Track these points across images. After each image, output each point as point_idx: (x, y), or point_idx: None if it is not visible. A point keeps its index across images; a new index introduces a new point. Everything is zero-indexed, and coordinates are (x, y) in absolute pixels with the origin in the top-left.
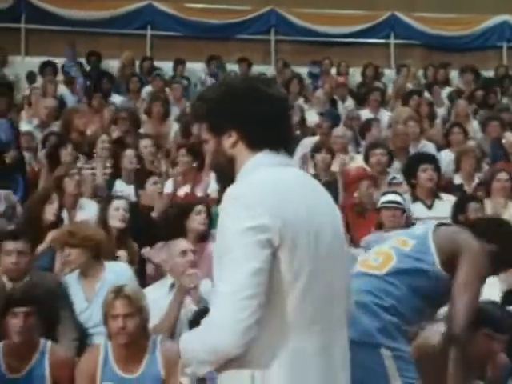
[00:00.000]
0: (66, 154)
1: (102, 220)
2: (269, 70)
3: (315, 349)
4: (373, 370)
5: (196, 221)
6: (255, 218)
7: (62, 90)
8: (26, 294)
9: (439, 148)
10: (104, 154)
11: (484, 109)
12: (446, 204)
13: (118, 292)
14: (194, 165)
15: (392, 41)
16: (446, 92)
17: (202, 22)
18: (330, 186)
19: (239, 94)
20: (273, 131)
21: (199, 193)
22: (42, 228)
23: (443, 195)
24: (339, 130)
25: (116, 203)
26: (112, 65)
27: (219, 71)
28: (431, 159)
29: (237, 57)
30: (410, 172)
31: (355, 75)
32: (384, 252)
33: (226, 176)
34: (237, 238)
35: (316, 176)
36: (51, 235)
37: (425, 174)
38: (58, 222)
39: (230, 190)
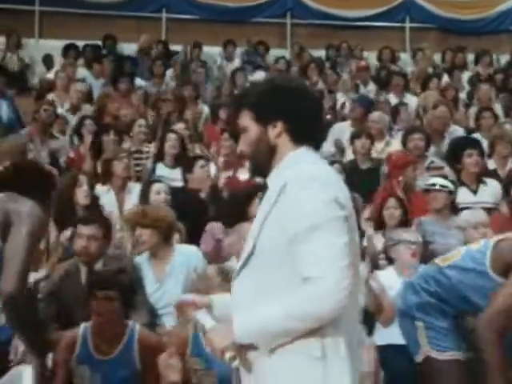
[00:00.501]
0: (109, 140)
1: (144, 204)
2: (286, 54)
3: (357, 318)
4: (408, 333)
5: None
6: (336, 195)
7: (83, 73)
8: (110, 278)
9: (468, 132)
10: (141, 137)
11: (504, 93)
12: (490, 189)
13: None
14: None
15: (407, 24)
16: (464, 76)
17: (218, 5)
18: (373, 172)
19: (288, 88)
20: (314, 127)
21: (242, 177)
22: (76, 211)
23: (488, 180)
24: (376, 115)
25: (157, 186)
26: (128, 48)
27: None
28: (476, 144)
29: (253, 40)
30: (454, 157)
31: (370, 59)
32: (459, 249)
33: (262, 165)
34: (324, 214)
35: (355, 162)
36: None
37: (470, 159)
38: (94, 202)
39: (303, 172)
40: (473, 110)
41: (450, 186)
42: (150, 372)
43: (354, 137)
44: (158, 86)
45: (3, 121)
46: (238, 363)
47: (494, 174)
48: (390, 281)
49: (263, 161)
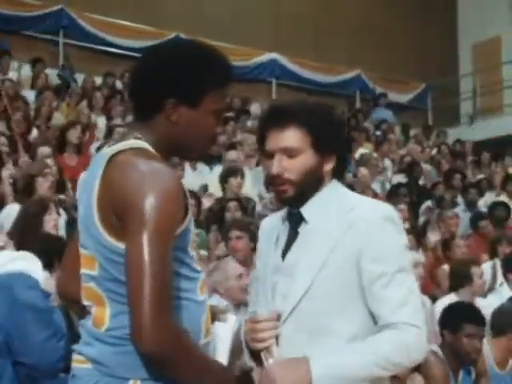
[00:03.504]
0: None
1: None
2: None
3: None
4: None
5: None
6: (405, 238)
7: None
8: None
9: None
10: None
11: None
12: None
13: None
14: None
15: None
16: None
17: None
18: None
19: (344, 122)
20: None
21: None
22: None
23: None
24: (233, 154)
25: None
26: None
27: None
28: None
29: (25, 54)
30: None
31: None
32: None
33: (305, 196)
34: (405, 257)
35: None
36: None
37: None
38: None
39: (374, 210)
40: None
41: None
42: None
43: (228, 175)
44: None
45: None
46: None
47: None
48: None
49: (308, 192)
